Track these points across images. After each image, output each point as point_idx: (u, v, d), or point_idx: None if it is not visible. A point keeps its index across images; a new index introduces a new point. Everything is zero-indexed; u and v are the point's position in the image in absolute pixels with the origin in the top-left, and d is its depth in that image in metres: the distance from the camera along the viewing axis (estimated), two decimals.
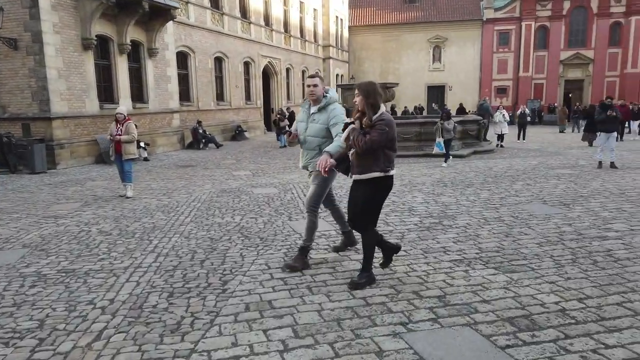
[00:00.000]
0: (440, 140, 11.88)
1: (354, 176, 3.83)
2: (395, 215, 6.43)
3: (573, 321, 3.12)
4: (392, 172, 3.76)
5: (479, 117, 16.12)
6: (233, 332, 3.12)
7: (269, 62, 26.78)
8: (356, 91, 3.74)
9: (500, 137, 16.45)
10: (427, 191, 8.31)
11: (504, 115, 16.42)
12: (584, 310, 3.28)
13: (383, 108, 3.71)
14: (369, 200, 3.79)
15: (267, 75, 27.52)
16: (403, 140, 14.69)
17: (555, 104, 36.22)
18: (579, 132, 24.84)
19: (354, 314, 3.33)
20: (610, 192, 7.80)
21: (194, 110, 19.84)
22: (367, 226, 3.86)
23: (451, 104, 34.81)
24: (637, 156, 13.24)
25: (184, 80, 19.64)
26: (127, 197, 8.30)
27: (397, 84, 17.99)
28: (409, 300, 3.55)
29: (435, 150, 12.07)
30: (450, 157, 12.21)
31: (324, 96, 4.31)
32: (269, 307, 3.50)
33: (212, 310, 3.47)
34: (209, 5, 20.74)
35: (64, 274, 4.36)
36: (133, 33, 15.43)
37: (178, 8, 17.00)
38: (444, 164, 11.75)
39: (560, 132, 25.72)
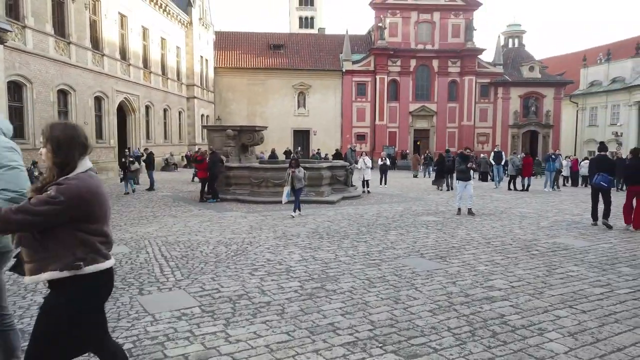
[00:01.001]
0: (288, 188, 11.10)
1: (26, 278, 2.39)
2: (273, 280, 5.61)
3: None
4: (98, 267, 2.37)
5: (347, 163, 16.39)
6: None
7: (125, 98, 24.55)
8: (42, 138, 2.43)
9: (366, 182, 16.85)
10: (304, 245, 7.69)
11: (365, 162, 16.93)
12: None
13: (82, 167, 2.40)
14: (59, 323, 2.30)
15: (124, 112, 25.17)
16: (274, 185, 14.18)
17: (407, 151, 39.60)
18: (429, 177, 27.18)
19: None
20: (477, 241, 8.05)
21: (29, 149, 16.89)
22: None
23: (316, 148, 35.80)
24: (486, 201, 14.49)
25: (17, 115, 16.72)
26: None
27: (266, 127, 17.60)
28: None
29: (284, 200, 11.23)
30: (300, 208, 11.17)
31: None
32: None
33: None
34: (52, 32, 18.28)
35: None
36: None
37: (10, 31, 14.51)
38: (293, 214, 10.87)
39: (414, 177, 27.84)
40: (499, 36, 42.60)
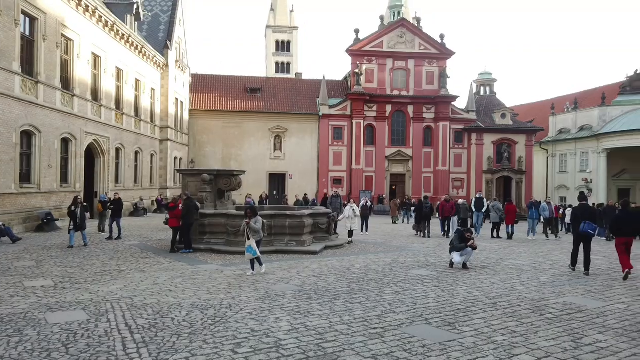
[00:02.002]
0: (250, 243, 9.58)
1: None
2: None
3: None
4: None
5: (329, 211, 15.61)
6: None
7: (94, 140, 23.46)
8: None
9: (350, 232, 15.74)
10: (291, 308, 6.79)
11: (354, 210, 15.86)
12: None
13: None
14: None
15: (93, 154, 24.00)
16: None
17: (384, 195, 39.30)
18: (408, 222, 26.70)
19: None
20: (483, 302, 7.32)
21: None
22: None
23: (292, 193, 35.05)
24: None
25: None
26: None
27: (244, 171, 16.80)
28: None
29: (247, 256, 9.65)
30: (260, 262, 9.83)
31: None
32: None
33: None
34: (19, 70, 17.36)
35: None
36: None
37: None
38: (252, 272, 9.54)
39: (393, 222, 27.30)
40: (471, 84, 43.72)
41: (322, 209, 15.35)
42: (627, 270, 9.44)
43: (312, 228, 13.91)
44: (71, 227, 13.86)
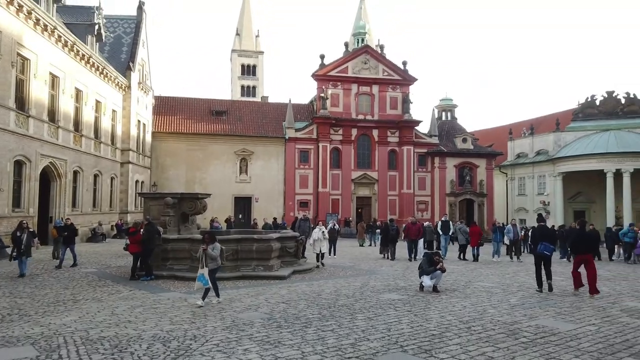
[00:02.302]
0: (203, 271, 8.90)
1: None
2: None
3: None
4: None
5: (296, 234, 15.31)
6: None
7: (51, 162, 22.44)
8: None
9: (320, 255, 15.50)
10: (260, 338, 6.45)
11: (324, 232, 15.63)
12: None
13: None
14: None
15: (48, 177, 22.90)
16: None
17: (350, 218, 39.30)
18: (375, 245, 26.69)
19: None
20: (457, 327, 7.20)
21: None
22: None
23: (258, 216, 34.51)
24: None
25: None
26: None
27: (209, 194, 16.33)
28: None
29: (197, 285, 9.01)
30: (218, 294, 9.26)
31: None
32: None
33: None
34: None
35: None
36: None
37: None
38: (202, 302, 8.79)
39: (360, 245, 27.20)
40: (433, 109, 44.88)
41: (290, 232, 15.03)
42: (574, 290, 10.44)
43: (280, 252, 13.58)
44: (14, 253, 12.89)
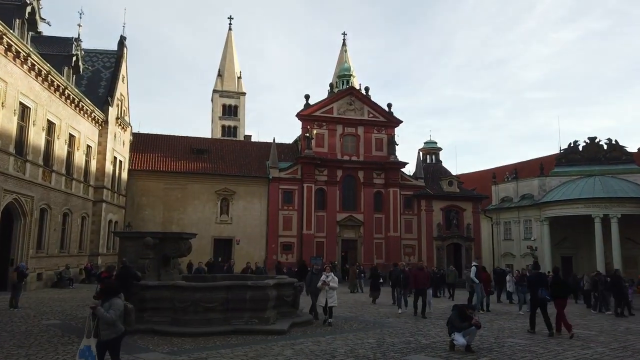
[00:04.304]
0: (90, 342, 6.16)
1: None
2: None
3: None
4: None
5: (294, 280, 13.62)
6: None
7: (15, 199, 20.40)
8: None
9: (329, 310, 12.45)
10: None
11: (333, 280, 12.49)
12: None
13: None
14: None
15: (11, 215, 20.77)
16: (205, 310, 11.06)
17: (336, 262, 37.56)
18: (362, 291, 25.11)
19: None
20: None
21: None
22: None
23: (239, 259, 32.52)
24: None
25: None
26: None
27: (195, 234, 14.59)
28: None
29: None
30: None
31: None
32: None
33: None
34: None
35: None
36: None
37: None
38: None
39: (351, 292, 25.49)
40: (418, 152, 44.52)
41: (288, 279, 13.37)
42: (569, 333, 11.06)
43: (276, 301, 11.90)
44: None
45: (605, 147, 40.60)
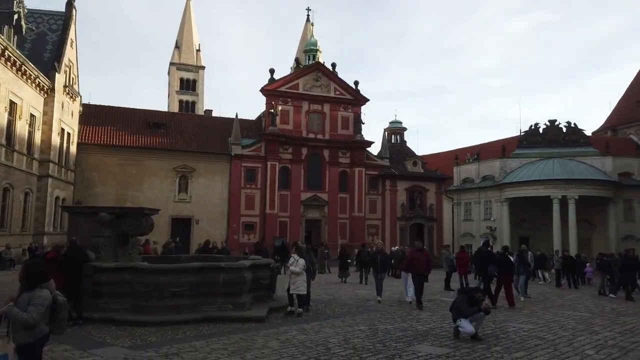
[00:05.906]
0: (7, 349, 4.41)
1: None
2: None
3: None
4: None
5: (270, 260, 12.46)
6: None
7: None
8: None
9: (298, 298, 10.64)
10: None
11: (296, 261, 10.59)
12: None
13: None
14: None
15: None
16: (171, 296, 9.77)
17: (300, 242, 36.56)
18: (330, 272, 24.36)
19: None
20: None
21: None
22: None
23: (198, 239, 30.93)
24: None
25: None
26: None
27: (158, 210, 13.08)
28: None
29: None
30: None
31: None
32: None
33: None
34: None
35: None
36: None
37: None
38: None
39: (319, 272, 24.64)
40: (384, 131, 43.92)
41: (264, 260, 12.16)
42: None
43: (251, 284, 10.74)
44: None
45: (564, 130, 41.40)
